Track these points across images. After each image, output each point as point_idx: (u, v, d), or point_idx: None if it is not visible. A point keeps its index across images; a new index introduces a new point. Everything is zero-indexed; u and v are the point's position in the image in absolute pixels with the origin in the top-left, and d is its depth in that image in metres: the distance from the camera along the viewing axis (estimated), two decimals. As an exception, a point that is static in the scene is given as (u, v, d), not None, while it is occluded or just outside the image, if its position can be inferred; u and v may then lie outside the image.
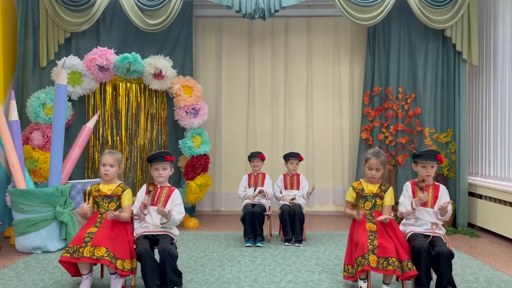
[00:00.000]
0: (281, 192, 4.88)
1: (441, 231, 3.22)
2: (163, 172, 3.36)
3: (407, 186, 3.35)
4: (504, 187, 4.91)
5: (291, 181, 4.89)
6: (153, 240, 3.23)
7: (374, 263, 2.96)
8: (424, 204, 3.24)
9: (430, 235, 3.14)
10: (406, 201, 3.28)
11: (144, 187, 3.41)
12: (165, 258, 3.09)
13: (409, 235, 3.22)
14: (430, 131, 5.78)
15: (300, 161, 4.95)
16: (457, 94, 5.60)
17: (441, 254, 3.00)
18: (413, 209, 3.20)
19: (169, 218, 3.24)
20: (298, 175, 4.94)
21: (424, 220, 3.23)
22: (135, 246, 3.15)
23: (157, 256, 3.16)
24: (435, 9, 5.42)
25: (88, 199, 3.23)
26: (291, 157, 4.91)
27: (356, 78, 6.44)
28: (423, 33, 5.79)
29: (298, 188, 4.85)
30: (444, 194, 3.28)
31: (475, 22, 5.46)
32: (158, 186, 3.37)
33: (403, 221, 3.36)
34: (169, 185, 3.45)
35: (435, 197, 3.25)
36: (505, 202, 4.87)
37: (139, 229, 3.30)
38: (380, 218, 3.14)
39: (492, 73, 5.42)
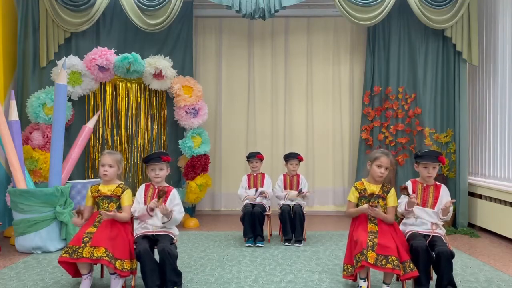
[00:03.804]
0: (282, 192, 4.87)
1: (441, 231, 3.22)
2: (159, 172, 3.34)
3: (407, 185, 3.34)
4: (504, 187, 4.91)
5: (291, 182, 4.88)
6: (153, 240, 3.23)
7: (372, 260, 2.95)
8: (424, 204, 3.24)
9: (430, 235, 3.14)
10: (404, 201, 3.27)
11: (142, 186, 3.41)
12: (165, 258, 3.09)
13: (408, 234, 3.22)
14: (430, 131, 5.77)
15: (300, 161, 4.95)
16: (457, 94, 5.60)
17: (441, 254, 2.99)
18: (406, 210, 3.20)
19: (171, 217, 3.24)
20: (298, 176, 4.93)
21: (424, 220, 3.22)
22: (134, 247, 3.15)
23: (156, 256, 3.16)
24: (435, 9, 5.42)
25: (81, 215, 3.22)
26: (291, 157, 4.90)
27: (356, 78, 6.44)
28: (423, 33, 5.78)
29: (297, 189, 4.83)
30: (445, 195, 3.27)
31: (475, 22, 5.45)
32: (158, 187, 3.37)
33: (403, 220, 3.36)
34: (167, 185, 3.44)
35: (436, 198, 3.25)
36: (505, 202, 4.87)
37: (138, 229, 3.29)
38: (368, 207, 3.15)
39: (492, 73, 5.42)
